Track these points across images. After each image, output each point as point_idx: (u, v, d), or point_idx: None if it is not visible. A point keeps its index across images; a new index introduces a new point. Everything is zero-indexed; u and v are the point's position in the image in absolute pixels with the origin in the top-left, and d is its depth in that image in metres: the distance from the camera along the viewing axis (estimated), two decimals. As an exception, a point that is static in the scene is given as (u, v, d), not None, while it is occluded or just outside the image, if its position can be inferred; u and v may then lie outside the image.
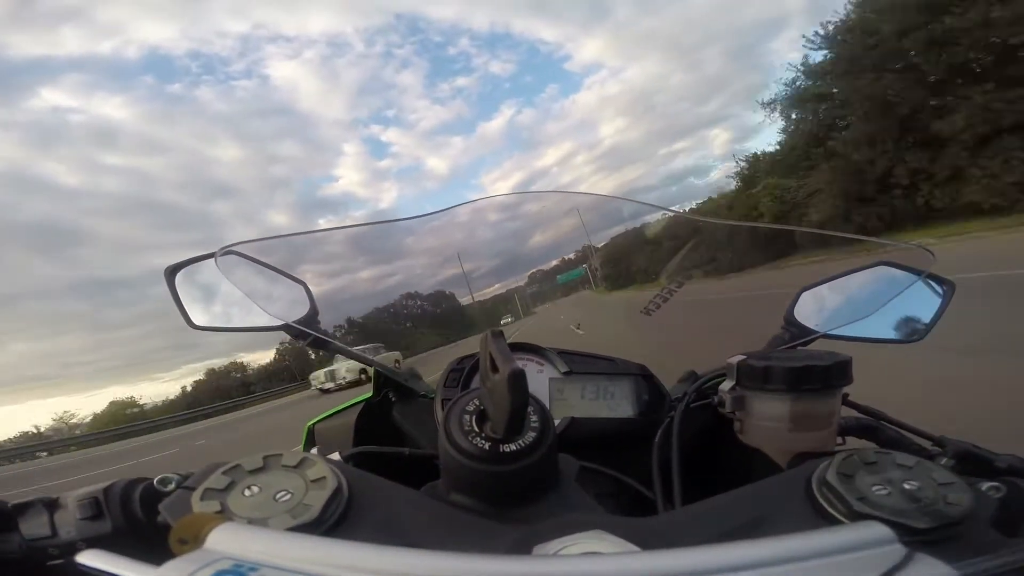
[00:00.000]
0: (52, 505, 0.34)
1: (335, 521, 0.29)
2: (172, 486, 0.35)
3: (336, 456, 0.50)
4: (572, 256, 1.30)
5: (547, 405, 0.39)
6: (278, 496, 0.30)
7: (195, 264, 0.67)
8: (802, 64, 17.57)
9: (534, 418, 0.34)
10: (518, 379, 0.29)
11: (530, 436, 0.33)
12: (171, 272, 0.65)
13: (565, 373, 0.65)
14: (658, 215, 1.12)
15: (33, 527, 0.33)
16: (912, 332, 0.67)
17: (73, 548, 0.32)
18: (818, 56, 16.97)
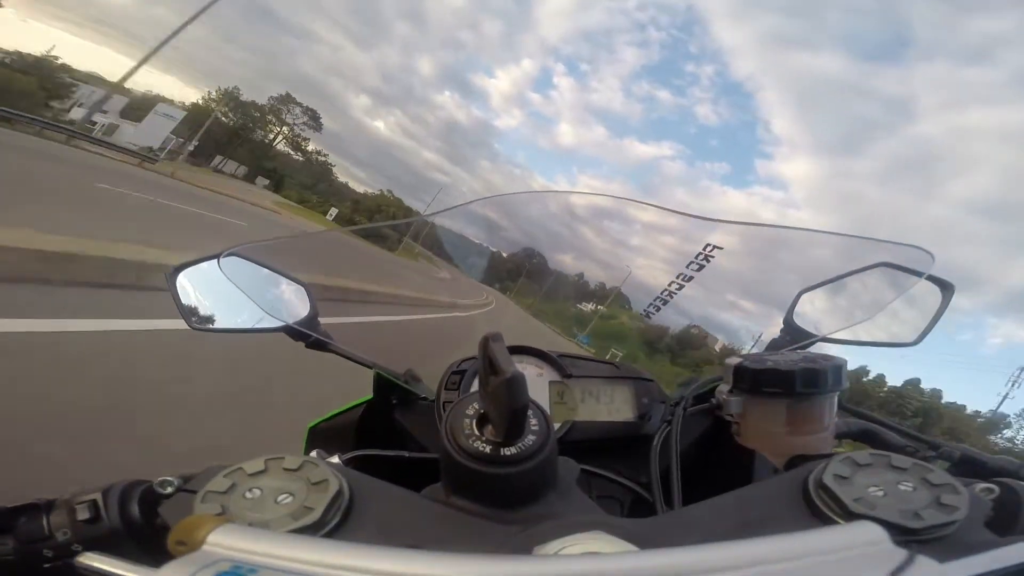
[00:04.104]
0: (49, 507, 0.34)
1: (336, 523, 0.30)
2: (172, 488, 0.35)
3: (336, 459, 0.50)
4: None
5: (547, 408, 0.39)
6: (279, 499, 0.30)
7: (197, 266, 0.67)
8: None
9: (534, 421, 0.34)
10: (517, 383, 0.29)
11: (530, 439, 0.33)
12: (173, 273, 0.66)
13: (565, 377, 0.65)
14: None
15: (29, 529, 0.33)
16: (909, 335, 0.67)
17: (70, 550, 0.32)
18: None
